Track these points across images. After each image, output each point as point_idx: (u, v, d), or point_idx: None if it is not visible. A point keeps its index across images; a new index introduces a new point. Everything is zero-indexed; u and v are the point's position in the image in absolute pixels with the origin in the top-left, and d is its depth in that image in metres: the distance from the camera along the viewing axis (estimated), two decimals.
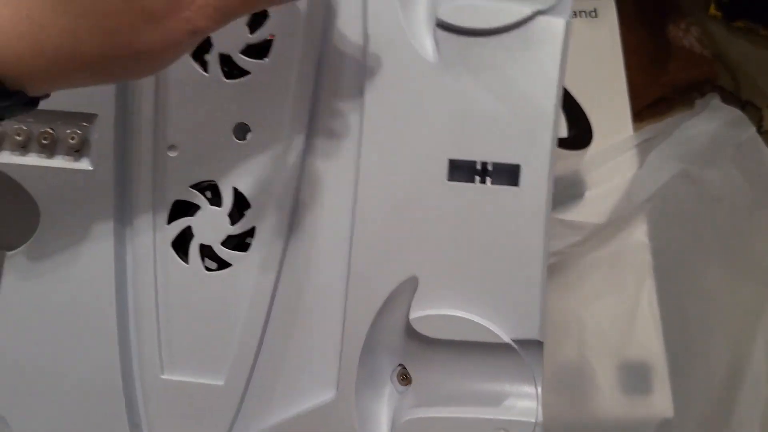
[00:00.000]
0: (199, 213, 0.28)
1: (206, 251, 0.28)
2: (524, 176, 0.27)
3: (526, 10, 0.26)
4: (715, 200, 0.44)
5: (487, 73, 0.27)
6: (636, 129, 0.47)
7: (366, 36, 0.27)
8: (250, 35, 0.28)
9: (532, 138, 0.27)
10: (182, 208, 0.29)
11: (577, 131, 0.47)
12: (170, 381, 0.28)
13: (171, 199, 0.29)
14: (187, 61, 0.28)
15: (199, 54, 0.28)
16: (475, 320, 0.27)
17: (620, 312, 0.42)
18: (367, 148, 0.27)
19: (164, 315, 0.28)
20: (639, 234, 0.43)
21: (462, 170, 0.27)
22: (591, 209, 0.44)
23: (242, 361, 0.28)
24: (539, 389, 0.27)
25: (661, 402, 0.41)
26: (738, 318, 0.43)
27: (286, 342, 0.28)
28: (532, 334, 0.27)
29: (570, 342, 0.42)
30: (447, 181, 0.27)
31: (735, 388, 0.42)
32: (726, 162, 0.45)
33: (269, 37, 0.28)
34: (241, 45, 0.28)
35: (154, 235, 0.29)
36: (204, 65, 0.28)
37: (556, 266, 0.42)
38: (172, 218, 0.29)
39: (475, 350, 0.27)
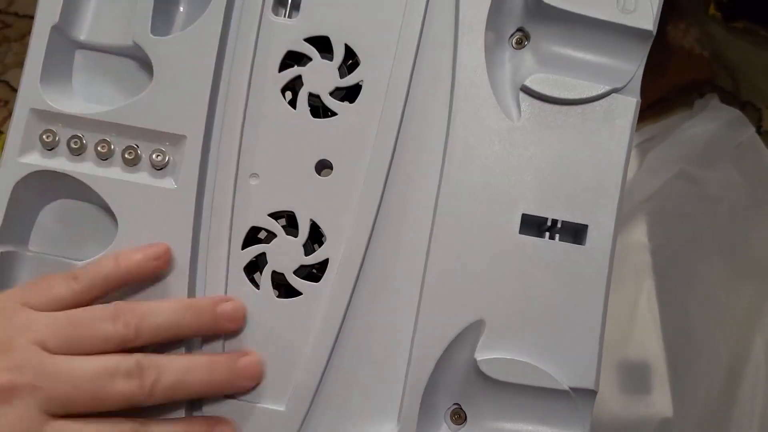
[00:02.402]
0: (274, 241, 0.29)
1: (278, 279, 0.29)
2: (590, 236, 0.29)
3: (603, 87, 0.29)
4: (714, 200, 0.44)
5: (563, 138, 0.29)
6: (636, 129, 0.47)
7: (453, 91, 0.29)
8: (339, 79, 0.30)
9: (600, 202, 0.29)
10: (257, 235, 0.30)
11: None
12: (232, 402, 0.29)
13: (248, 225, 0.29)
14: (277, 97, 0.30)
15: (288, 91, 0.30)
16: (539, 366, 0.28)
17: (619, 311, 0.42)
18: (444, 195, 0.29)
19: (231, 337, 0.29)
20: (638, 234, 0.43)
21: (533, 225, 0.29)
22: None
23: (305, 389, 0.29)
24: None
25: (660, 401, 0.41)
26: (737, 317, 0.43)
27: (350, 373, 0.29)
28: (587, 383, 0.29)
29: None
30: (518, 234, 0.29)
31: (734, 388, 0.42)
32: (725, 162, 0.45)
33: (358, 83, 0.30)
34: (331, 87, 0.30)
35: (228, 258, 0.29)
36: (293, 102, 0.30)
37: None
38: (246, 244, 0.29)
39: (531, 395, 0.28)
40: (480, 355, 0.28)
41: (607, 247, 0.29)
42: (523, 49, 0.30)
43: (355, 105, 0.30)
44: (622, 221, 0.43)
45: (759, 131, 0.47)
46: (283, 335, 0.29)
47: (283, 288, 0.29)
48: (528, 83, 0.29)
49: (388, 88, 0.29)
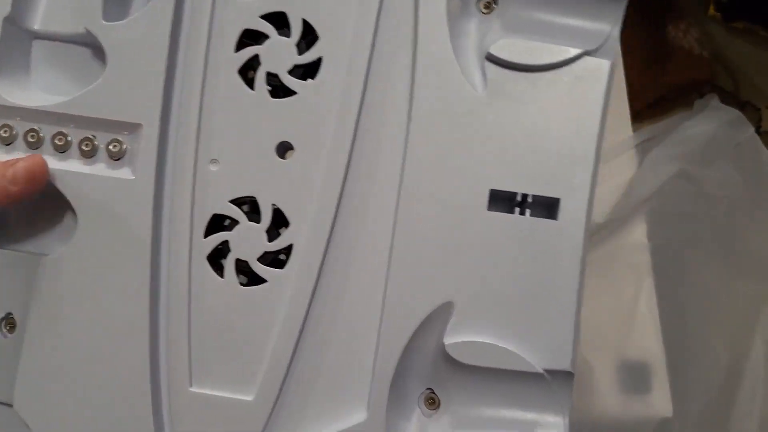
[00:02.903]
0: (237, 228, 0.29)
1: (242, 266, 0.29)
2: (563, 210, 0.27)
3: (574, 50, 0.27)
4: (713, 200, 0.44)
5: (532, 107, 0.28)
6: (635, 129, 0.47)
7: (414, 63, 0.28)
8: (298, 56, 0.28)
9: (573, 174, 0.27)
10: (220, 223, 0.29)
11: None
12: (198, 394, 0.28)
13: (209, 212, 0.29)
14: (234, 78, 0.29)
15: (246, 71, 0.29)
16: (510, 349, 0.27)
17: (619, 311, 0.42)
18: (409, 173, 0.28)
19: (196, 327, 0.29)
20: (638, 233, 0.43)
21: (502, 201, 0.28)
22: None
23: (272, 378, 0.28)
24: (566, 420, 0.27)
25: (659, 401, 0.41)
26: (737, 317, 0.43)
27: (318, 361, 0.28)
28: (563, 365, 0.27)
29: None
30: (486, 211, 0.27)
31: (734, 387, 0.42)
32: (725, 162, 0.45)
33: (317, 59, 0.29)
34: (289, 65, 0.28)
35: (190, 247, 0.29)
36: (250, 83, 0.29)
37: None
38: (209, 232, 0.29)
39: (505, 378, 0.27)
40: (448, 339, 0.27)
41: (581, 222, 0.27)
42: (491, 14, 0.28)
43: (315, 82, 0.28)
44: (622, 221, 0.43)
45: (758, 131, 0.47)
46: (248, 324, 0.28)
47: (248, 276, 0.29)
48: (493, 50, 0.27)
49: (348, 62, 0.28)
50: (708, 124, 0.46)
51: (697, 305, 0.43)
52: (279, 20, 0.29)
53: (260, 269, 0.28)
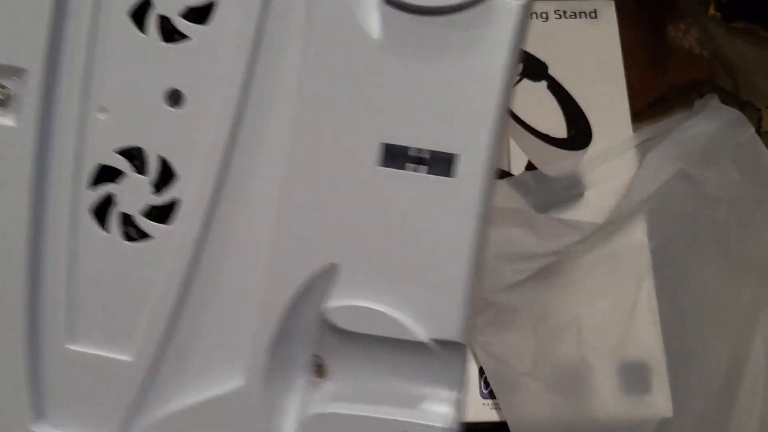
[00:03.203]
0: (122, 180, 0.27)
1: (128, 220, 0.27)
2: (460, 167, 0.25)
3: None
4: (714, 200, 0.44)
5: (432, 54, 0.25)
6: (635, 129, 0.47)
7: (309, 6, 0.26)
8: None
9: (472, 128, 0.25)
10: (108, 175, 0.28)
11: (577, 131, 0.47)
12: (75, 351, 0.27)
13: (95, 163, 0.27)
14: (125, 21, 0.27)
15: (139, 14, 0.27)
16: (391, 315, 0.25)
17: (619, 311, 0.42)
18: (300, 124, 0.26)
19: (75, 282, 0.27)
20: (638, 233, 0.43)
21: (395, 156, 0.26)
22: (590, 209, 0.44)
23: (151, 339, 0.27)
24: (456, 394, 0.26)
25: (659, 401, 0.41)
26: (737, 318, 0.43)
27: (200, 322, 0.27)
28: (452, 335, 0.25)
29: (568, 341, 0.42)
30: (378, 167, 0.26)
31: (734, 388, 0.42)
32: (725, 162, 0.45)
33: (211, 2, 0.27)
34: (182, 8, 0.27)
35: (72, 198, 0.27)
36: (142, 26, 0.27)
37: (554, 266, 0.42)
38: (95, 184, 0.27)
39: (392, 348, 0.26)
40: (329, 303, 0.26)
41: (477, 180, 0.25)
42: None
43: (208, 27, 0.27)
44: (622, 221, 0.43)
45: (759, 131, 0.47)
46: (130, 281, 0.27)
47: (133, 230, 0.28)
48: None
49: (243, 6, 0.27)
50: (708, 124, 0.46)
51: (698, 305, 0.43)
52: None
53: (144, 224, 0.27)
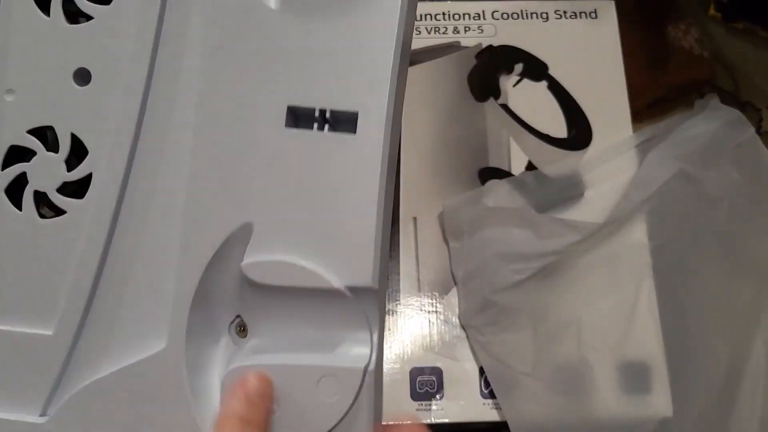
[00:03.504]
0: (34, 159, 0.28)
1: (40, 199, 0.28)
2: (362, 124, 0.27)
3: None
4: (714, 200, 0.44)
5: (327, 18, 0.27)
6: (635, 129, 0.47)
7: None
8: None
9: (370, 85, 0.27)
10: (18, 155, 0.29)
11: (577, 131, 0.47)
12: None
13: (6, 144, 0.28)
14: (28, 5, 0.28)
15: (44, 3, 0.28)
16: (305, 266, 0.26)
17: (619, 311, 0.42)
18: (205, 94, 0.28)
19: None
20: (638, 234, 0.43)
21: (300, 117, 0.27)
22: (590, 209, 0.44)
23: (72, 310, 0.28)
24: (374, 336, 0.27)
25: (660, 401, 0.41)
26: (737, 317, 0.43)
27: (121, 291, 0.28)
28: (364, 281, 0.27)
29: (569, 341, 0.42)
30: (285, 128, 0.27)
31: (734, 388, 0.42)
32: (725, 162, 0.45)
33: None
34: None
35: None
36: (46, 9, 0.28)
37: (555, 266, 0.42)
38: (6, 164, 0.28)
39: (310, 298, 0.27)
40: (247, 260, 0.27)
41: (379, 135, 0.27)
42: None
43: (111, 6, 0.28)
44: (622, 221, 0.43)
45: (759, 131, 0.47)
46: (48, 257, 0.28)
47: (48, 208, 0.28)
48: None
49: None
50: (708, 124, 0.46)
51: (698, 305, 0.43)
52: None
53: (59, 200, 0.28)
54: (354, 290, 0.27)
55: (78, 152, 0.28)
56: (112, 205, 0.28)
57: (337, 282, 0.26)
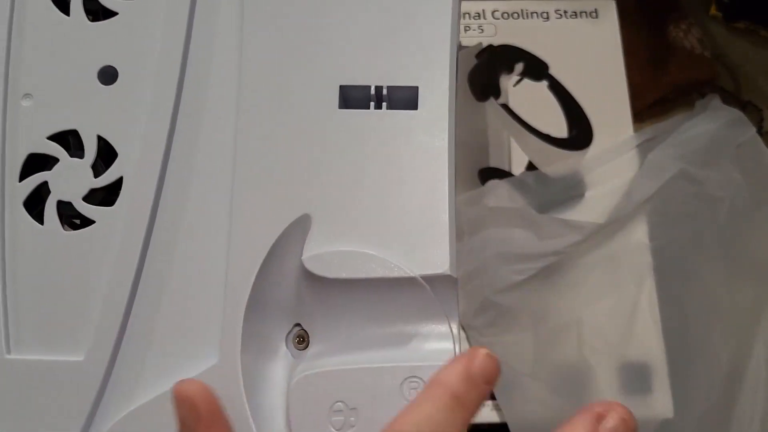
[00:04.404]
0: (57, 167, 0.26)
1: (65, 209, 0.26)
2: (423, 98, 0.25)
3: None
4: (714, 200, 0.44)
5: None
6: (636, 129, 0.47)
7: None
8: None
9: (430, 59, 0.25)
10: (38, 163, 0.26)
11: (577, 131, 0.47)
12: (18, 360, 0.24)
13: (24, 153, 0.26)
14: (45, 4, 0.26)
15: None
16: (376, 254, 0.24)
17: (620, 312, 0.42)
18: (247, 82, 0.25)
19: (13, 284, 0.25)
20: (639, 234, 0.43)
21: (354, 97, 0.25)
22: (591, 209, 0.44)
23: (106, 332, 0.25)
24: (455, 328, 0.24)
25: (660, 402, 0.41)
26: (738, 318, 0.43)
27: (159, 308, 0.25)
28: (442, 268, 0.24)
29: (569, 342, 0.42)
30: (338, 110, 0.25)
31: (735, 388, 0.42)
32: (726, 162, 0.45)
33: None
34: None
35: (2, 194, 0.26)
36: (65, 8, 0.26)
37: (555, 266, 0.42)
38: (25, 174, 0.26)
39: (379, 291, 0.24)
40: (306, 253, 0.24)
41: (443, 109, 0.25)
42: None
43: (136, 1, 0.26)
44: (623, 221, 0.43)
45: (760, 131, 0.47)
46: (75, 273, 0.25)
47: (74, 219, 0.26)
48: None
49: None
50: (709, 124, 0.46)
51: (699, 306, 0.43)
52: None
53: (86, 209, 0.25)
54: (429, 279, 0.24)
55: (106, 156, 0.26)
56: (147, 210, 0.25)
57: (412, 271, 0.24)
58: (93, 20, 0.26)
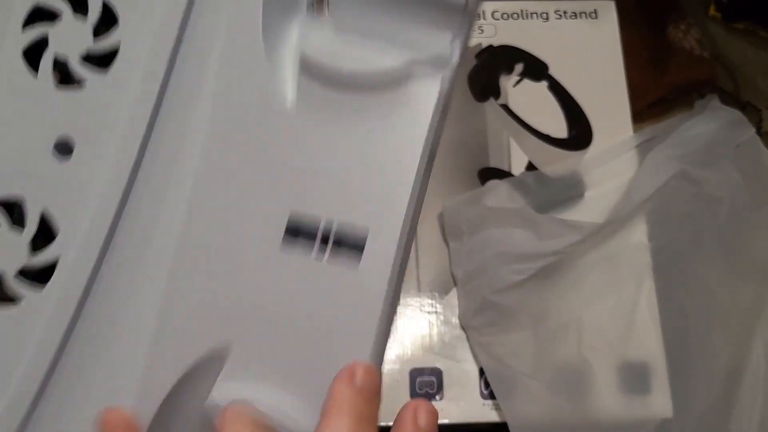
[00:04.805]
0: None
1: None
2: (369, 250, 0.23)
3: (400, 70, 0.23)
4: (714, 200, 0.44)
5: (346, 129, 0.24)
6: (636, 129, 0.47)
7: (221, 65, 0.25)
8: (92, 40, 0.25)
9: (384, 206, 0.24)
10: None
11: (577, 132, 0.47)
12: None
13: None
14: (17, 60, 0.25)
15: (34, 55, 0.26)
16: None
17: (619, 312, 0.42)
18: (198, 189, 0.24)
19: None
20: (638, 234, 0.43)
21: (301, 232, 0.24)
22: (591, 209, 0.44)
23: (13, 414, 0.24)
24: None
25: (660, 402, 0.41)
26: (737, 318, 0.43)
27: (76, 402, 0.24)
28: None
29: (569, 342, 0.42)
30: (281, 247, 0.24)
31: (734, 388, 0.42)
32: (725, 163, 0.45)
33: (115, 47, 0.25)
34: (82, 50, 0.25)
35: None
36: (36, 67, 0.25)
37: (555, 266, 0.42)
38: None
39: None
40: (217, 390, 0.23)
41: (386, 270, 0.23)
42: (323, 15, 0.25)
43: (108, 74, 0.25)
44: (622, 221, 0.43)
45: (759, 132, 0.47)
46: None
47: (5, 294, 0.25)
48: (308, 59, 0.23)
49: (148, 55, 0.25)
50: (708, 124, 0.46)
51: (698, 306, 0.43)
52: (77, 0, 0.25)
53: (15, 285, 0.24)
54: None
55: (47, 233, 0.25)
56: (77, 297, 0.24)
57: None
58: (61, 85, 0.25)
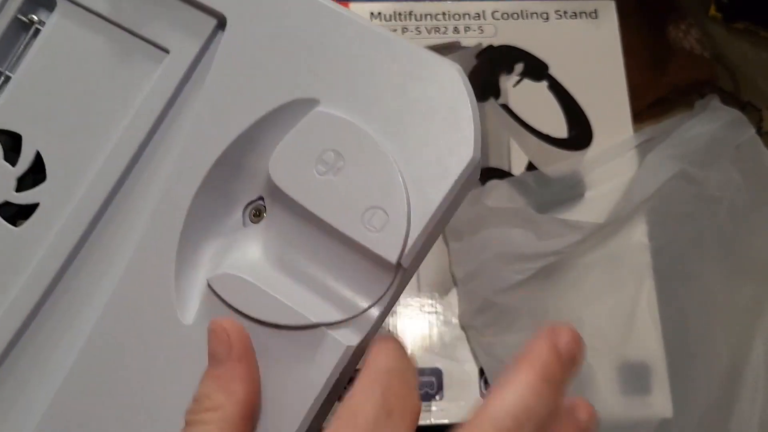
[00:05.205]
0: None
1: None
2: None
3: (308, 318, 0.22)
4: (714, 200, 0.44)
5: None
6: (636, 129, 0.47)
7: (130, 261, 0.24)
8: (15, 192, 0.25)
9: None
10: None
11: (577, 132, 0.47)
12: None
13: None
14: None
15: None
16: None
17: (619, 312, 0.42)
18: (81, 384, 0.24)
19: None
20: (638, 234, 0.43)
21: None
22: (591, 209, 0.44)
23: None
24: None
25: (660, 402, 0.41)
26: (737, 318, 0.43)
27: None
28: None
29: None
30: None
31: (734, 388, 0.42)
32: (725, 163, 0.45)
33: (35, 204, 0.25)
34: (2, 198, 0.26)
35: None
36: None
37: (555, 266, 0.42)
38: None
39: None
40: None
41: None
42: (258, 224, 0.24)
43: (20, 229, 0.25)
44: (622, 221, 0.43)
45: (759, 132, 0.47)
46: None
47: None
48: (212, 283, 0.23)
49: (66, 221, 0.25)
50: (709, 124, 0.46)
51: (698, 306, 0.43)
52: (12, 143, 0.26)
53: None
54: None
55: None
56: None
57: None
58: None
